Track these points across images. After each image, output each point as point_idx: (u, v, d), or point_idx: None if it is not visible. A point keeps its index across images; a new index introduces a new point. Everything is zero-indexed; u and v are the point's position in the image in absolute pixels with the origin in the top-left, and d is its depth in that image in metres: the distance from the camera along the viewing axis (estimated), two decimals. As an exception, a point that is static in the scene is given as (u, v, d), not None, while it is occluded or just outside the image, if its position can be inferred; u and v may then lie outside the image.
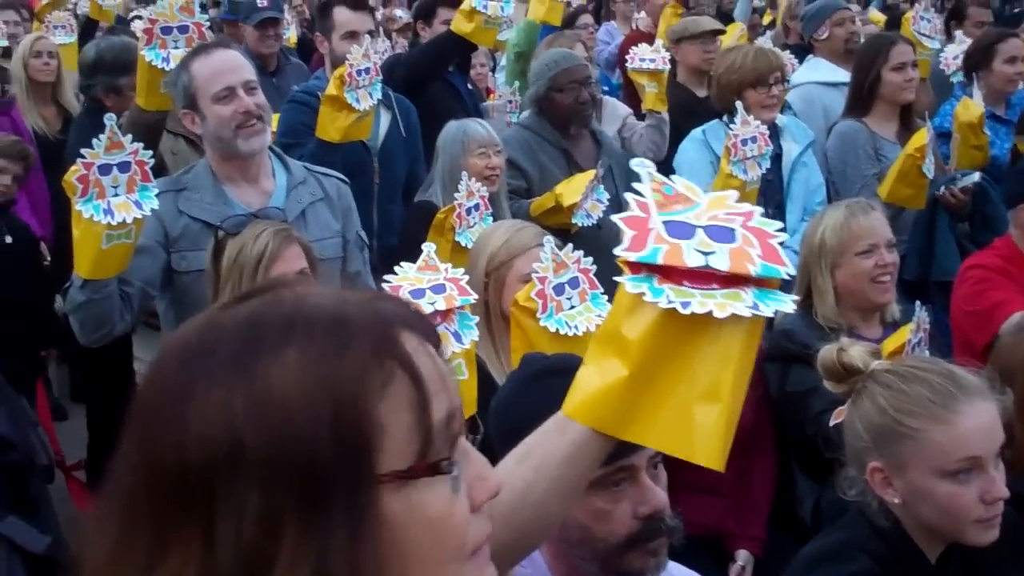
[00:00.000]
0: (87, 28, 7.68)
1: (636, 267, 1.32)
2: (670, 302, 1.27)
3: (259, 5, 6.66)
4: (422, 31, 6.19)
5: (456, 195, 3.81)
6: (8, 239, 4.72)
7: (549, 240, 2.94)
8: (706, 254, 1.30)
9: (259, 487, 0.89)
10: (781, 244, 1.34)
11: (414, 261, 3.86)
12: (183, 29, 3.86)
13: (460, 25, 5.22)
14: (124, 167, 3.01)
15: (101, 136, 3.00)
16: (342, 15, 4.71)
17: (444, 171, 4.27)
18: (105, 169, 2.99)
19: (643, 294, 1.29)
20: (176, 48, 3.83)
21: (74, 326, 3.24)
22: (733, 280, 1.30)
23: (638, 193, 1.36)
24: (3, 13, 7.45)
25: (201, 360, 0.95)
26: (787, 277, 1.33)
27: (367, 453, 0.92)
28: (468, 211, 3.79)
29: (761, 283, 1.31)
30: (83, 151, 3.00)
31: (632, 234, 1.32)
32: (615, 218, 1.36)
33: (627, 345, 1.31)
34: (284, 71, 6.24)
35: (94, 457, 4.90)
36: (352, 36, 4.57)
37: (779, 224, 1.36)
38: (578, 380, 1.37)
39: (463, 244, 3.76)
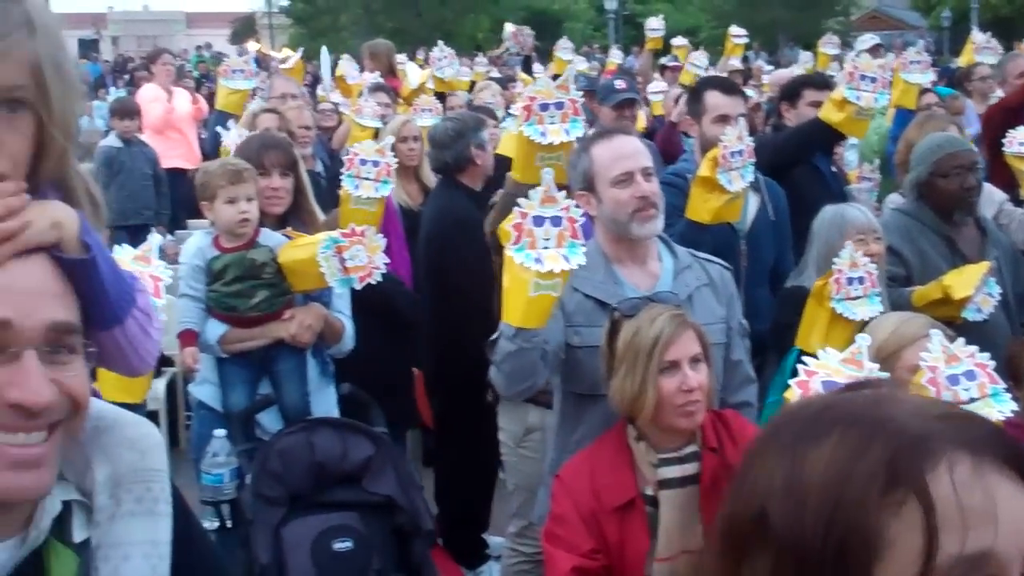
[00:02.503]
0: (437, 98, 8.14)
1: None
2: None
3: (616, 87, 6.83)
4: (786, 112, 6.12)
5: (836, 261, 3.74)
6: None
7: (938, 331, 2.89)
8: None
9: (771, 556, 0.97)
10: None
11: (785, 346, 3.80)
12: (559, 105, 3.97)
13: (830, 114, 5.13)
14: (556, 221, 3.05)
15: (537, 188, 3.07)
16: (714, 98, 4.74)
17: (820, 256, 4.16)
18: (538, 221, 3.04)
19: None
20: (552, 123, 3.96)
21: (499, 379, 3.27)
22: None
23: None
24: (376, 95, 7.98)
25: (776, 432, 1.04)
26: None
27: (863, 562, 0.93)
28: (850, 281, 3.74)
29: None
30: (520, 200, 3.06)
31: None
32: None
33: None
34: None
35: (444, 521, 5.06)
36: (723, 120, 4.58)
37: None
38: None
39: (839, 312, 3.73)
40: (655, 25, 12.28)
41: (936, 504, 0.92)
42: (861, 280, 3.75)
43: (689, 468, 2.97)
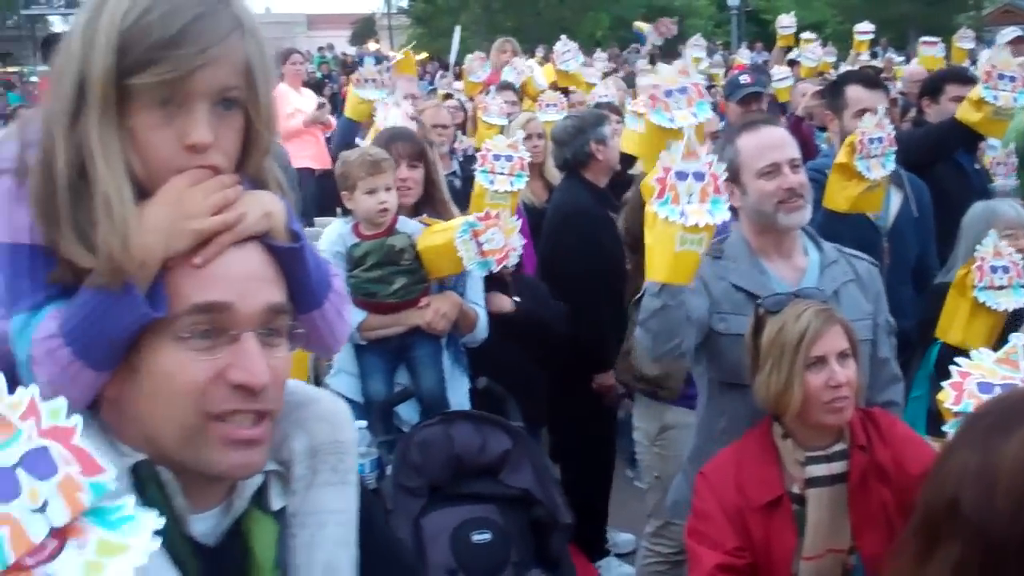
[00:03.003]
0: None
1: None
2: None
3: (742, 83, 6.74)
4: (927, 107, 5.96)
5: (979, 248, 3.68)
6: (517, 299, 4.99)
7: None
8: None
9: (960, 543, 1.05)
10: None
11: (931, 343, 3.69)
12: (683, 91, 3.97)
13: (967, 114, 4.98)
14: (699, 176, 3.00)
15: (679, 143, 3.01)
16: (856, 92, 4.66)
17: (968, 252, 4.05)
18: (682, 176, 2.98)
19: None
20: (678, 108, 3.94)
21: (645, 340, 3.23)
22: None
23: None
24: (503, 93, 8.03)
25: (970, 426, 1.11)
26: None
27: None
28: (993, 269, 3.67)
29: None
30: (661, 155, 3.00)
31: None
32: None
33: None
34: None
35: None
36: (865, 114, 4.48)
37: None
38: None
39: (982, 301, 3.66)
40: (787, 23, 12.18)
41: None
42: (1006, 269, 3.64)
43: (836, 466, 2.91)
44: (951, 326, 3.75)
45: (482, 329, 4.29)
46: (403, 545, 1.81)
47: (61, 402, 1.09)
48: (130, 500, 1.11)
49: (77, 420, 1.08)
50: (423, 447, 3.49)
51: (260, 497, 1.44)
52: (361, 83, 7.06)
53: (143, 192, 1.34)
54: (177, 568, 1.31)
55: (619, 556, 5.70)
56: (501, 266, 4.06)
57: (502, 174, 4.68)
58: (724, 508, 2.90)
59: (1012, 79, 4.84)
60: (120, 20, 1.30)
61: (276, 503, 1.46)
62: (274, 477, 1.47)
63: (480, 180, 4.67)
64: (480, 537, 3.39)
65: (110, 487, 1.08)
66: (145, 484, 1.32)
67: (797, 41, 12.15)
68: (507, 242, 4.03)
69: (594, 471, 5.52)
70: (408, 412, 4.06)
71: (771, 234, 3.38)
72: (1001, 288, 3.65)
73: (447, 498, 3.47)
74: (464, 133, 8.15)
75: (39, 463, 1.05)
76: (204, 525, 1.39)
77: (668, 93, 3.96)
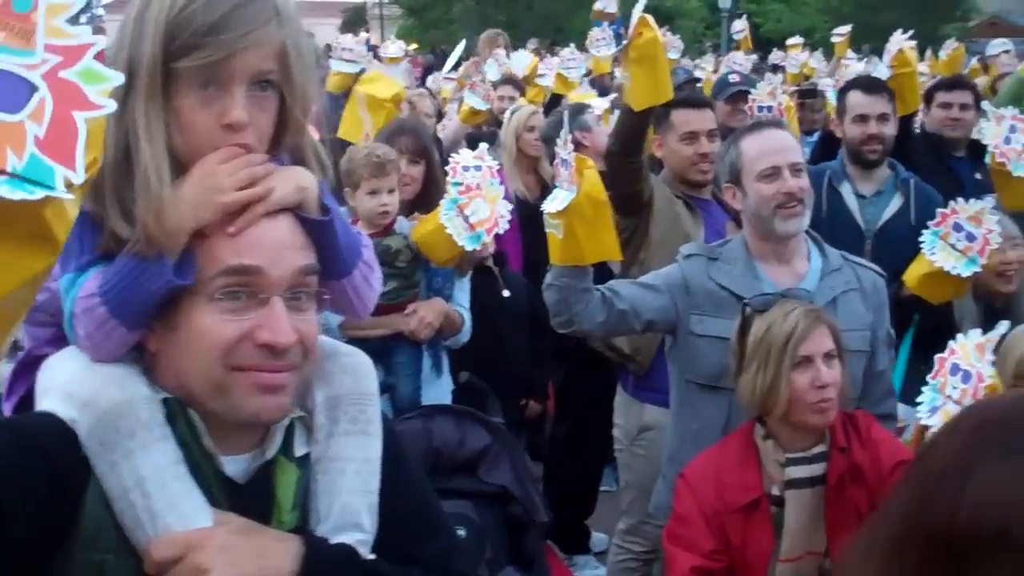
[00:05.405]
0: (552, 102, 8.13)
1: None
2: None
3: (730, 81, 6.72)
4: (924, 115, 5.97)
5: (958, 202, 3.82)
6: (506, 292, 4.96)
7: None
8: None
9: (1012, 571, 0.91)
10: None
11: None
12: None
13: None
14: (564, 164, 3.17)
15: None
16: (855, 98, 4.81)
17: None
18: (565, 164, 3.15)
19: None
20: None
21: (547, 302, 3.40)
22: None
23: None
24: (502, 88, 8.01)
25: (998, 434, 0.97)
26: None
27: None
28: (959, 228, 3.75)
29: None
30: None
31: None
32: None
33: None
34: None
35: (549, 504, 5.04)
36: (863, 119, 4.60)
37: None
38: None
39: (921, 242, 3.85)
40: (739, 27, 12.42)
41: None
42: (971, 238, 3.63)
43: (817, 468, 2.90)
44: (912, 272, 3.85)
45: (466, 332, 4.27)
46: (434, 503, 1.83)
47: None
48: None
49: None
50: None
51: (286, 444, 1.56)
52: (338, 53, 7.08)
53: (184, 168, 1.47)
54: (208, 496, 1.47)
55: (594, 555, 5.69)
56: (492, 234, 4.00)
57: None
58: (703, 511, 2.89)
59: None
60: (168, 10, 1.43)
61: (300, 449, 1.57)
62: (299, 425, 1.58)
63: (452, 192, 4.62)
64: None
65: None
66: (176, 419, 1.47)
67: (782, 47, 12.29)
68: (493, 210, 3.97)
69: (589, 462, 5.61)
70: (383, 408, 4.01)
71: (771, 240, 3.37)
72: (958, 252, 3.64)
73: (424, 492, 3.42)
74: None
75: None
76: (235, 467, 1.52)
77: None
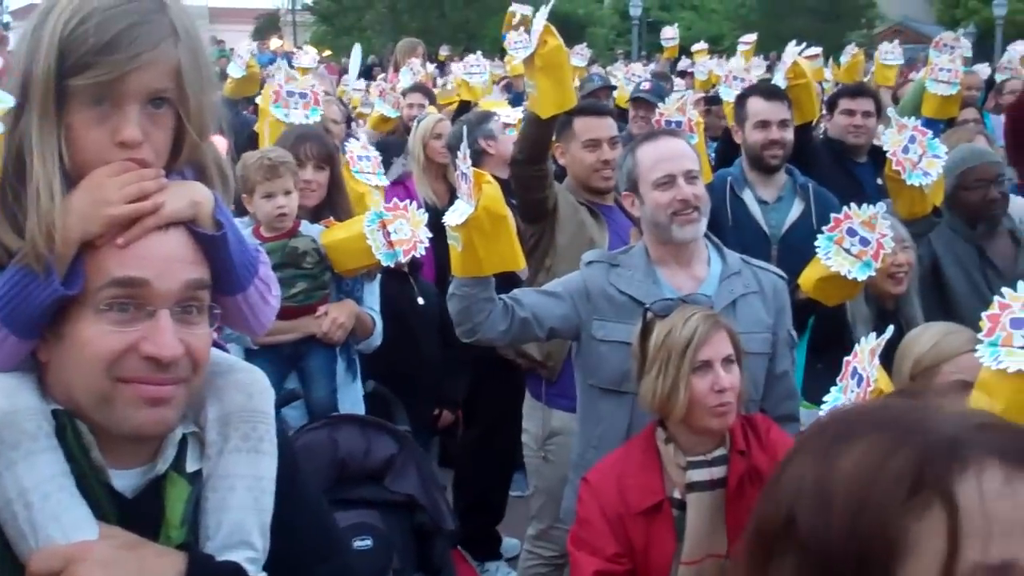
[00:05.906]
0: (461, 108, 8.13)
1: None
2: None
3: (641, 88, 6.80)
4: (827, 121, 6.08)
5: (851, 207, 3.78)
6: (420, 300, 4.95)
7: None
8: None
9: (794, 559, 0.96)
10: None
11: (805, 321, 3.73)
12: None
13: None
14: (464, 177, 3.23)
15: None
16: (756, 104, 4.81)
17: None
18: (464, 177, 3.22)
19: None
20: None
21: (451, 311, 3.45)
22: None
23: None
24: (412, 95, 8.00)
25: (811, 437, 1.03)
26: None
27: (884, 565, 0.92)
28: (853, 232, 3.76)
29: None
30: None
31: None
32: None
33: None
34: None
35: (459, 510, 5.04)
36: (764, 125, 4.59)
37: None
38: None
39: (816, 246, 3.80)
40: (670, 34, 12.50)
41: (961, 510, 0.91)
42: (864, 242, 3.69)
43: (717, 471, 2.93)
44: (807, 274, 3.87)
45: (377, 336, 4.25)
46: (330, 522, 1.84)
47: None
48: None
49: None
50: (306, 451, 3.40)
51: (178, 459, 1.55)
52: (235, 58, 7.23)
53: (76, 184, 1.47)
54: (95, 510, 1.46)
55: (505, 561, 5.70)
56: (408, 256, 4.02)
57: (368, 172, 4.81)
58: (605, 514, 2.91)
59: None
60: (62, 27, 1.43)
61: (192, 465, 1.56)
62: (192, 440, 1.58)
63: (362, 180, 4.72)
64: (361, 543, 3.32)
65: None
66: (64, 431, 1.47)
67: (688, 53, 12.42)
68: (415, 233, 4.00)
69: (499, 468, 5.60)
70: (296, 416, 3.97)
71: (670, 245, 3.41)
72: (852, 256, 3.70)
73: (329, 503, 3.38)
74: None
75: None
76: (125, 481, 1.51)
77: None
